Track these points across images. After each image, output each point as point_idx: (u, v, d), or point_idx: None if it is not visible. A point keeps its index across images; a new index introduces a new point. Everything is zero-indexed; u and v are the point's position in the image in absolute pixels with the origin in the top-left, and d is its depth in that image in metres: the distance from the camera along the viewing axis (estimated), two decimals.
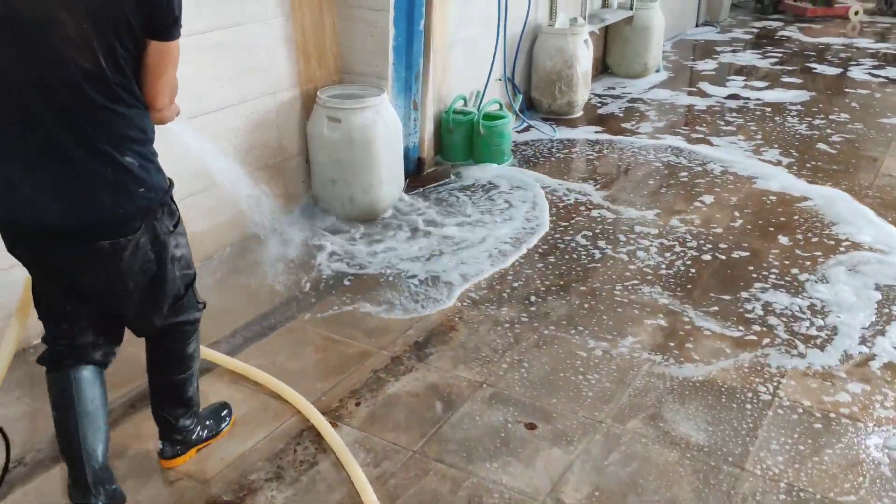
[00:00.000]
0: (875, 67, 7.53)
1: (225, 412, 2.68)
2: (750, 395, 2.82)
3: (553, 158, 5.19)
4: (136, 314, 2.22)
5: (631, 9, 6.93)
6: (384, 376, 2.96)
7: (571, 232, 4.12)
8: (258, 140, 3.93)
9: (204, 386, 2.81)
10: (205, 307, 2.45)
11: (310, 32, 4.05)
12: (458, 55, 5.01)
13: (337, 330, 3.25)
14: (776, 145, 5.39)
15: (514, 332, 3.23)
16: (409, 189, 4.50)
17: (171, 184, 2.14)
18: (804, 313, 3.35)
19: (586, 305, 3.43)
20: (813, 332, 3.23)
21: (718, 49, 8.43)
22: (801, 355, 3.06)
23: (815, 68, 7.54)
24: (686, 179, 4.85)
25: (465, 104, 5.15)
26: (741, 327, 3.26)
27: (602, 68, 7.20)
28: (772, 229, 4.16)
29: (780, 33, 9.30)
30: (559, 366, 3.00)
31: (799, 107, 6.28)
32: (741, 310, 3.38)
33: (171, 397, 2.45)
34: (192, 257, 2.34)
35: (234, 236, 3.92)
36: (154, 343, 2.37)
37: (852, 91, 6.74)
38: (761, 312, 3.36)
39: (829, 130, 5.70)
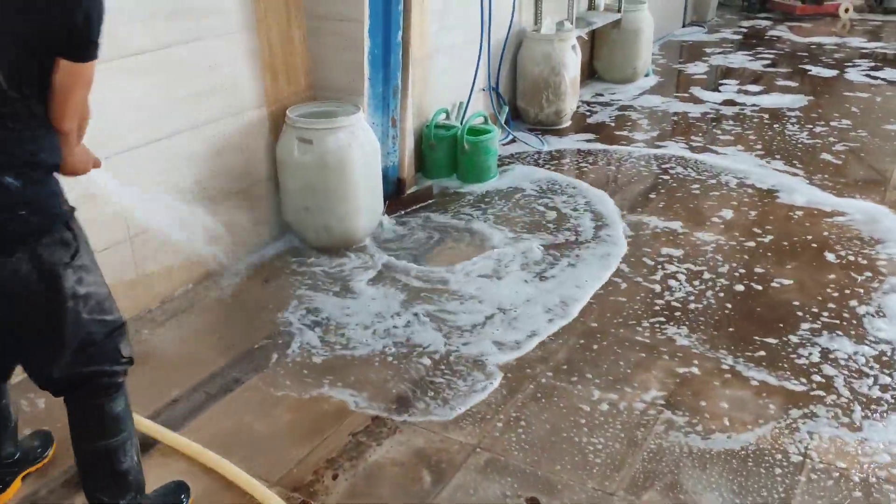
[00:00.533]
0: (872, 69, 7.27)
1: (181, 494, 2.32)
2: (779, 456, 2.49)
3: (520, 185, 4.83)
4: (30, 356, 2.00)
5: (619, 11, 6.62)
6: (364, 440, 2.61)
7: None
8: (222, 166, 3.57)
9: (154, 461, 2.46)
10: (130, 363, 2.10)
11: (277, 46, 3.69)
12: (439, 65, 4.67)
13: (311, 384, 2.90)
14: (778, 156, 5.09)
15: (508, 382, 2.89)
16: (388, 212, 4.15)
17: (69, 211, 1.92)
18: (871, 367, 2.92)
19: (594, 346, 3.10)
20: (876, 392, 2.78)
21: (708, 50, 8.15)
22: (857, 427, 2.61)
23: (810, 70, 7.27)
24: (699, 192, 4.54)
25: (448, 117, 4.81)
26: (801, 379, 2.85)
27: (589, 73, 6.88)
28: (809, 250, 3.84)
29: (770, 33, 9.04)
30: (562, 424, 2.66)
31: (797, 112, 5.99)
32: (793, 356, 2.99)
33: (102, 471, 2.10)
34: (113, 302, 2.05)
35: (191, 275, 3.55)
36: (69, 400, 2.07)
37: (851, 94, 6.47)
38: (817, 359, 2.97)
39: (831, 139, 5.41)
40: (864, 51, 8.08)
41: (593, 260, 3.74)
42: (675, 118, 5.94)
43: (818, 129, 5.59)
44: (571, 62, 5.55)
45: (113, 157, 3.06)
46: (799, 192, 4.49)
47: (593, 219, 4.16)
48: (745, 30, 9.23)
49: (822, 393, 2.79)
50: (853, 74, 7.09)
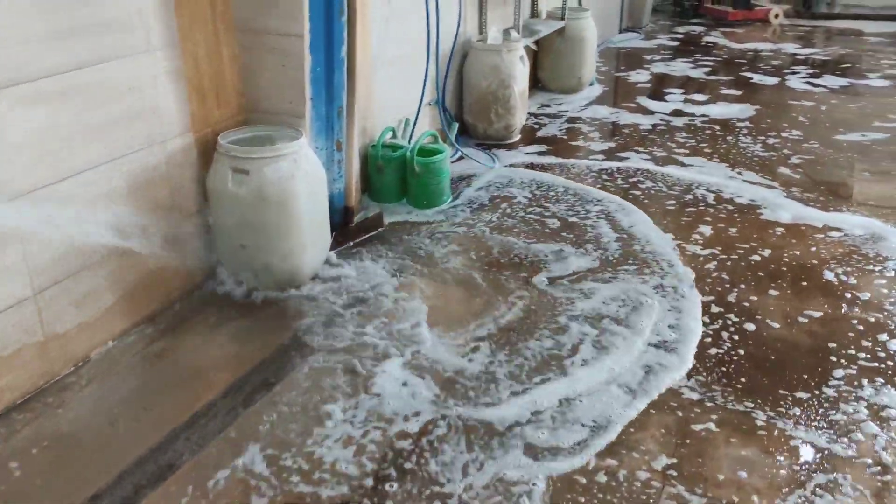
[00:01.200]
0: (811, 76, 7.21)
1: None
2: None
3: (505, 192, 4.50)
4: None
5: (562, 18, 6.35)
6: None
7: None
8: (144, 202, 3.09)
9: None
10: None
11: (204, 65, 3.24)
12: (384, 80, 4.28)
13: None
14: (741, 168, 4.88)
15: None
16: (335, 244, 3.73)
17: None
18: None
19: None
20: None
21: (647, 57, 7.99)
22: None
23: (752, 78, 7.15)
24: (674, 208, 4.27)
25: (394, 136, 4.42)
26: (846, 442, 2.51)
27: (533, 83, 6.59)
28: (815, 273, 3.57)
29: (705, 39, 8.96)
30: (559, 500, 2.31)
31: (747, 123, 5.83)
32: (831, 413, 2.64)
33: None
34: None
35: (111, 331, 3.07)
36: None
37: (796, 103, 6.36)
38: (864, 416, 2.62)
39: (786, 151, 5.25)
40: (799, 57, 8.05)
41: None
42: (628, 130, 5.69)
43: (771, 141, 5.43)
44: (520, 74, 5.24)
45: (16, 199, 2.57)
46: (782, 206, 4.28)
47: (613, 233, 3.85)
48: (680, 36, 9.14)
49: (866, 461, 2.46)
50: (794, 82, 7.01)
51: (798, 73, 7.35)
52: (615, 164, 4.92)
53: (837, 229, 4.02)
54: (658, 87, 6.86)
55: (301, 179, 3.23)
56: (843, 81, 7.02)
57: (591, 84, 6.75)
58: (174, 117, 3.16)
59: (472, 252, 3.76)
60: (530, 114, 5.95)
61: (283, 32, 3.31)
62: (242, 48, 3.39)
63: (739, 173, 4.79)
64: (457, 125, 4.97)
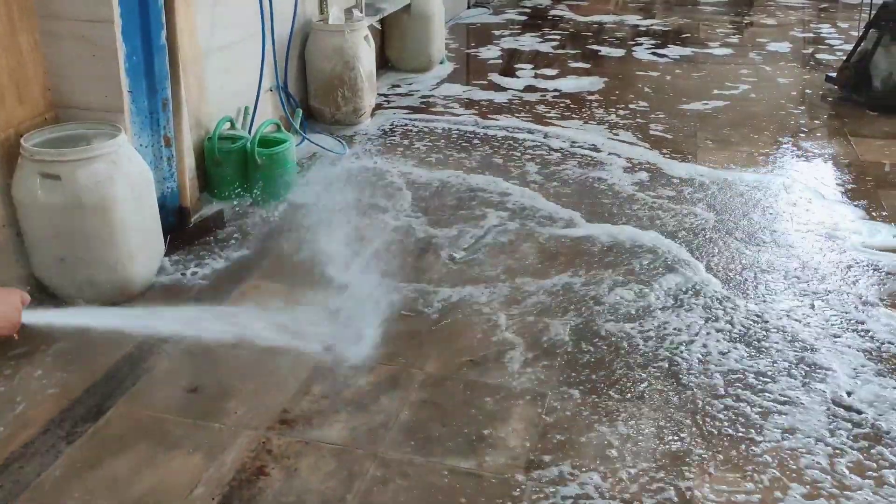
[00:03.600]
0: (655, 47, 7.38)
1: None
2: None
3: (356, 181, 4.31)
4: None
5: None
6: None
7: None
8: None
9: None
10: None
11: (0, 58, 2.86)
12: (216, 67, 3.97)
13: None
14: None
15: (348, 463, 2.36)
16: (171, 249, 3.43)
17: None
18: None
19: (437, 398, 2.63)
20: None
21: (496, 33, 7.94)
22: None
23: (600, 51, 7.24)
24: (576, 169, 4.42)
25: (233, 126, 4.12)
26: None
27: (381, 63, 6.39)
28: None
29: (552, 13, 9.00)
30: None
31: (597, 96, 5.88)
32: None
33: None
34: None
35: None
36: None
37: (642, 74, 6.48)
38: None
39: (637, 121, 5.32)
40: (641, 28, 8.23)
41: None
42: (483, 108, 5.59)
43: (621, 112, 5.50)
44: (365, 55, 5.03)
45: None
46: (667, 165, 4.59)
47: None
48: (528, 10, 9.15)
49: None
50: (640, 53, 7.15)
51: (642, 44, 7.50)
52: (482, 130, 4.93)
53: (734, 184, 4.42)
54: (509, 64, 6.82)
55: (121, 181, 2.92)
56: (685, 51, 7.22)
57: (442, 62, 6.62)
58: None
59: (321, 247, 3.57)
60: (380, 95, 5.75)
61: (89, 17, 2.96)
62: (44, 37, 3.02)
63: (616, 133, 4.98)
64: (301, 111, 4.72)
